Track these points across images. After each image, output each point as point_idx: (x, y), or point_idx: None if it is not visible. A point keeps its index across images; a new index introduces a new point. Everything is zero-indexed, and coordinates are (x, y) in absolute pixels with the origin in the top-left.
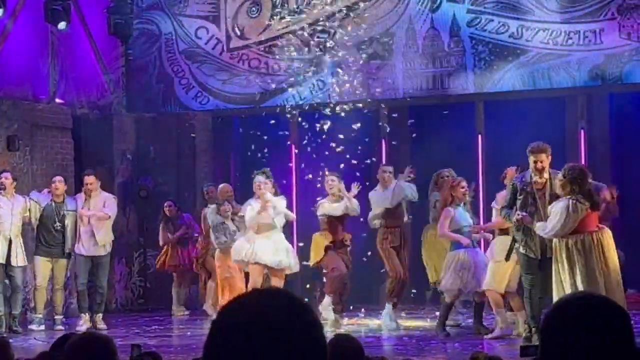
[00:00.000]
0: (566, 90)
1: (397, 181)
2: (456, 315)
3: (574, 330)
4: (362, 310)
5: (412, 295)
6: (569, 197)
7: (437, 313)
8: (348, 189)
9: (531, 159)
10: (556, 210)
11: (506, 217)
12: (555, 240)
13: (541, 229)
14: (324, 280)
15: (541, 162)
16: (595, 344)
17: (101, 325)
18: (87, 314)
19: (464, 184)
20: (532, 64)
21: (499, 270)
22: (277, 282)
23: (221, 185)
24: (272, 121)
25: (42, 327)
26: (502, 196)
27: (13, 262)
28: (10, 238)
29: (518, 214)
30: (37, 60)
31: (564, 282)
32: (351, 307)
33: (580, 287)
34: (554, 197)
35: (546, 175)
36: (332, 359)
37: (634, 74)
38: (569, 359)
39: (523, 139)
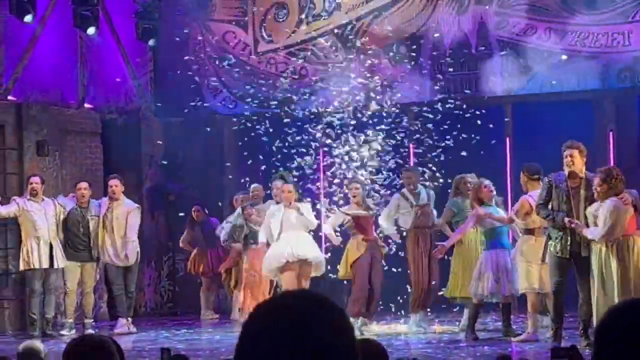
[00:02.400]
0: (595, 92)
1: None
2: (486, 319)
3: (630, 340)
4: (391, 314)
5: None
6: (613, 198)
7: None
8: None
9: (564, 154)
10: (605, 213)
11: (548, 219)
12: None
13: (591, 233)
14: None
15: (571, 156)
16: None
17: (132, 328)
18: (126, 318)
19: (486, 183)
20: (561, 66)
21: (532, 271)
22: (306, 283)
23: (254, 186)
24: (303, 125)
25: (73, 331)
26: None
27: (55, 265)
28: (50, 242)
29: (569, 220)
30: (66, 66)
31: (607, 283)
32: (381, 307)
33: (615, 292)
34: (590, 199)
35: (581, 175)
36: None
37: None
38: None
39: (551, 142)
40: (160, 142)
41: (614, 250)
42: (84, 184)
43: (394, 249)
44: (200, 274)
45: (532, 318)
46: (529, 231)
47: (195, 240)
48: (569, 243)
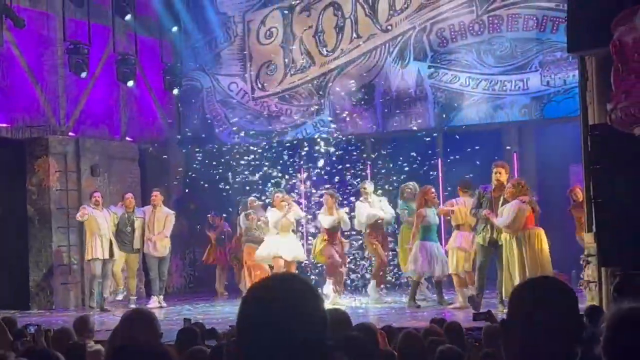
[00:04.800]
0: (502, 124)
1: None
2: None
3: (533, 305)
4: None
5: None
6: (517, 199)
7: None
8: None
9: (493, 171)
10: (509, 208)
11: (476, 214)
12: (504, 234)
13: (498, 221)
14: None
15: (499, 173)
16: (548, 314)
17: (163, 304)
18: (157, 295)
19: (433, 189)
20: (478, 104)
21: (458, 255)
22: (292, 268)
23: (250, 199)
24: (290, 151)
25: (122, 296)
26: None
27: (114, 255)
28: (110, 239)
29: (486, 212)
30: (112, 109)
31: (512, 265)
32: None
33: (516, 272)
34: (505, 202)
35: (501, 187)
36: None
37: (551, 111)
38: (526, 327)
39: (472, 162)
40: (181, 168)
41: (515, 241)
42: (129, 195)
43: (354, 244)
44: (215, 262)
45: (460, 293)
46: (460, 227)
47: (214, 237)
48: (489, 235)
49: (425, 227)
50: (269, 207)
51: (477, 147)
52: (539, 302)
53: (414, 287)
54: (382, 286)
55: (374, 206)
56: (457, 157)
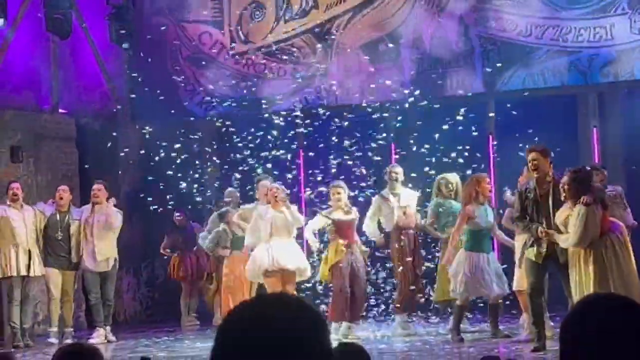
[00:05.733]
0: (578, 87)
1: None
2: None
3: (595, 334)
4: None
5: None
6: (580, 205)
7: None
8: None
9: (527, 159)
10: (575, 218)
11: (525, 229)
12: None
13: (563, 241)
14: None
15: (536, 161)
16: (618, 345)
17: (110, 337)
18: (102, 328)
19: (488, 179)
20: (542, 62)
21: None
22: (291, 288)
23: (228, 190)
24: (281, 126)
25: (62, 339)
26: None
27: (31, 273)
28: (29, 249)
29: (542, 231)
30: (39, 70)
31: (586, 285)
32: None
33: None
34: (559, 203)
35: (549, 178)
36: None
37: None
38: None
39: (533, 138)
40: (136, 151)
41: (591, 257)
42: (63, 187)
43: (375, 253)
44: (180, 279)
45: (528, 318)
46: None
47: (175, 245)
48: (543, 249)
49: (474, 232)
50: (256, 203)
51: (541, 120)
52: (603, 329)
53: (458, 315)
54: (410, 314)
55: (402, 203)
56: (515, 133)
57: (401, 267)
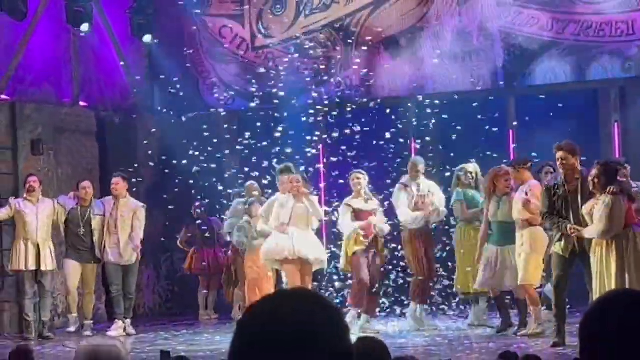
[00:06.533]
0: (599, 82)
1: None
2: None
3: (615, 331)
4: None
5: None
6: (606, 195)
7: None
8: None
9: (555, 157)
10: (600, 208)
11: (554, 225)
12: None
13: (589, 233)
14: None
15: (562, 159)
16: (639, 342)
17: (130, 330)
18: (121, 320)
19: (508, 175)
20: (564, 57)
21: (534, 263)
22: (308, 279)
23: (248, 183)
24: (302, 119)
25: (81, 328)
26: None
27: (42, 267)
28: (38, 243)
29: (571, 228)
30: (60, 64)
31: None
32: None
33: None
34: (587, 197)
35: (577, 175)
36: None
37: None
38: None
39: (555, 133)
40: (156, 144)
41: (613, 247)
42: (87, 183)
43: (389, 245)
44: (197, 272)
45: (535, 313)
46: (531, 223)
47: (193, 239)
48: (571, 244)
49: (494, 225)
50: (277, 194)
51: (562, 115)
52: (623, 326)
53: (501, 306)
54: (424, 306)
55: (422, 192)
56: (535, 127)
57: (415, 256)
